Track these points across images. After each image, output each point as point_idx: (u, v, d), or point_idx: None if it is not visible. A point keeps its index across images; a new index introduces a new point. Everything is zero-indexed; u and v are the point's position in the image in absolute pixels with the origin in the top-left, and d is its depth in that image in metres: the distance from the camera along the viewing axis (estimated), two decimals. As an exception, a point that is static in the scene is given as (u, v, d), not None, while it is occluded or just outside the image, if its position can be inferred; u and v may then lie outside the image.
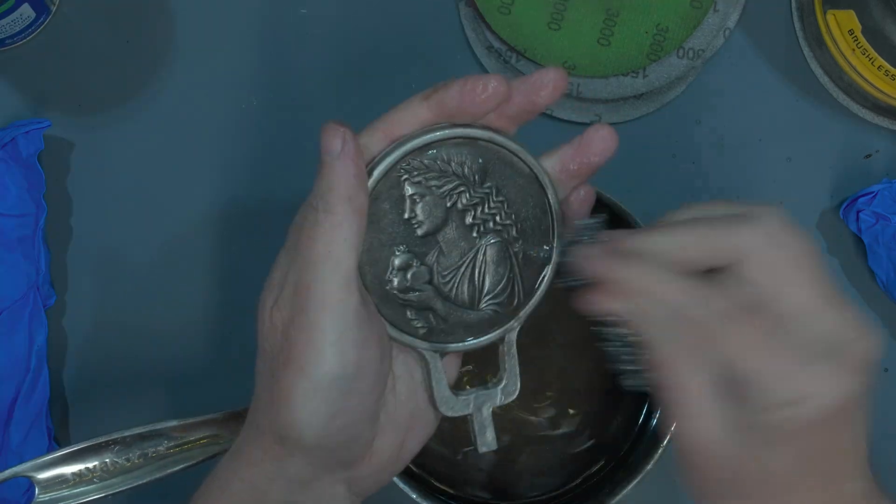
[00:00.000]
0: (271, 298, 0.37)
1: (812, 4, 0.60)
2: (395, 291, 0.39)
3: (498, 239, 0.39)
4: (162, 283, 0.60)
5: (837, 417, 0.35)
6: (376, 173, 0.37)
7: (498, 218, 0.39)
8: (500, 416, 0.53)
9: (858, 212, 0.58)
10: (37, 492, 0.46)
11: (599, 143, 0.38)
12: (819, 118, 0.61)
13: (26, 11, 0.58)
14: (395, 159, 0.37)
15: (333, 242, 0.35)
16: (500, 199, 0.39)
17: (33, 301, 0.57)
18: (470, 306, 0.39)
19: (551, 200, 0.39)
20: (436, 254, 0.39)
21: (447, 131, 0.37)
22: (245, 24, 0.61)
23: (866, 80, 0.58)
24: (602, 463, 0.54)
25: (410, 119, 0.37)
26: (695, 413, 0.36)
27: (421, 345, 0.39)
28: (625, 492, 0.50)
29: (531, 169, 0.39)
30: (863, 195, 0.58)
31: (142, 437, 0.47)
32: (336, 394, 0.36)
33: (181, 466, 0.47)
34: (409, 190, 0.38)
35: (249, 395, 0.40)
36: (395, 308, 0.39)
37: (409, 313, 0.39)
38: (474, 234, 0.39)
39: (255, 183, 0.60)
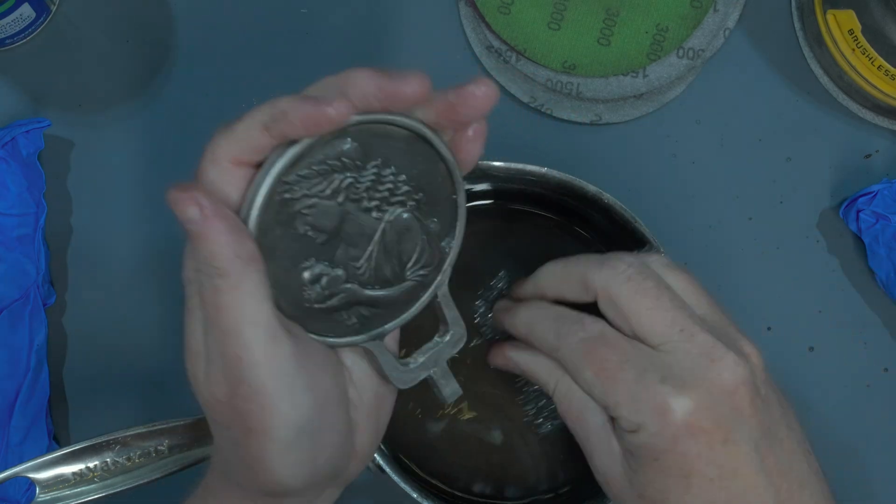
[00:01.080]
0: (200, 370, 0.35)
1: (812, 4, 0.60)
2: (315, 305, 0.37)
3: (400, 209, 0.37)
4: (162, 283, 0.60)
5: (694, 438, 0.37)
6: (255, 211, 0.34)
7: (396, 190, 0.37)
8: (500, 416, 0.53)
9: (858, 212, 0.58)
10: (37, 491, 0.46)
11: (480, 99, 0.36)
12: (819, 118, 0.61)
13: (26, 11, 0.58)
14: (269, 188, 0.34)
15: (242, 303, 0.33)
16: (390, 170, 0.37)
17: (33, 300, 0.57)
18: (395, 281, 0.38)
19: (438, 146, 0.37)
20: (343, 250, 0.37)
21: (309, 140, 0.34)
22: (245, 24, 0.61)
23: (866, 80, 0.58)
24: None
25: (254, 152, 0.34)
26: (597, 449, 0.40)
27: (360, 340, 0.39)
28: (625, 492, 0.50)
29: (407, 129, 0.36)
30: (863, 195, 0.58)
31: (142, 437, 0.47)
32: (307, 441, 0.36)
33: (181, 466, 0.47)
34: (295, 207, 0.35)
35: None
36: (322, 319, 0.37)
37: (336, 316, 0.38)
38: (374, 216, 0.37)
39: (255, 183, 0.60)
